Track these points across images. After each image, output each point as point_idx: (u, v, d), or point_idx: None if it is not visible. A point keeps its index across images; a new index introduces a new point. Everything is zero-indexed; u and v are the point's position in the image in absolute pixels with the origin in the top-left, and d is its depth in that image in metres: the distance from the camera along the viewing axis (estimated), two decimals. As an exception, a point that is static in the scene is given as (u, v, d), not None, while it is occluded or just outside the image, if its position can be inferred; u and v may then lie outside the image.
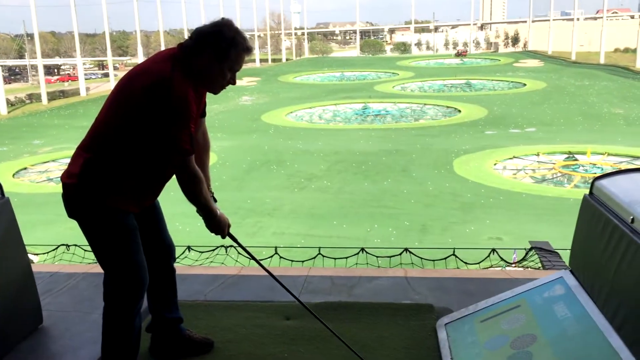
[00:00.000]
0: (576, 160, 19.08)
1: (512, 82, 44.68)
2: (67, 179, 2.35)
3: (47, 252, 6.42)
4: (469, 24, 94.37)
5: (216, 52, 2.26)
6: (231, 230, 2.63)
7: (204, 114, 2.55)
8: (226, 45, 2.26)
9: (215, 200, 2.55)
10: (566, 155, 19.71)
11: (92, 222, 2.38)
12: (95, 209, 2.34)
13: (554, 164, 18.90)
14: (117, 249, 2.40)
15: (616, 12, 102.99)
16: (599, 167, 17.65)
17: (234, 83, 2.40)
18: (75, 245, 5.86)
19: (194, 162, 2.32)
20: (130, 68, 2.48)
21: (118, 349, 2.49)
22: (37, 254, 7.64)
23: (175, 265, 2.83)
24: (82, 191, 2.32)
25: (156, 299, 2.74)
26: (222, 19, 2.33)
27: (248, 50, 2.33)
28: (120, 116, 2.27)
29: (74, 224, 2.48)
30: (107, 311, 2.48)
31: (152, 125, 2.21)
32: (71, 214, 2.40)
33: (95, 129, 2.34)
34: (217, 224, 2.50)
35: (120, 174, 2.33)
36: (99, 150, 2.31)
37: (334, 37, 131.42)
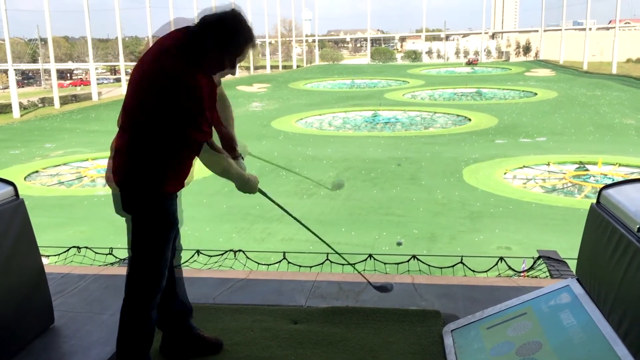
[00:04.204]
0: (587, 170, 18.98)
1: (523, 91, 44.57)
2: (120, 171, 2.44)
3: (58, 254, 6.48)
4: (480, 33, 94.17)
5: (219, 42, 2.32)
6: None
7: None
8: (230, 36, 2.32)
9: (243, 158, 2.65)
10: (577, 166, 19.62)
11: (146, 210, 2.46)
12: (152, 196, 2.44)
13: (564, 173, 18.82)
14: (159, 241, 2.49)
15: (629, 23, 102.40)
16: (610, 178, 17.51)
17: (233, 74, 2.47)
18: (86, 247, 5.92)
19: (212, 142, 2.41)
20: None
21: (134, 340, 2.56)
22: (47, 256, 7.71)
23: (185, 268, 2.90)
24: (137, 178, 2.41)
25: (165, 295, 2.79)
26: (232, 9, 2.37)
27: (252, 41, 2.38)
28: (146, 108, 2.35)
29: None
30: (128, 302, 2.55)
31: (173, 117, 2.30)
32: (126, 205, 2.47)
33: (128, 116, 2.42)
34: (249, 188, 2.56)
35: (161, 155, 2.40)
36: (138, 137, 2.39)
37: (345, 45, 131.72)
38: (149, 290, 2.52)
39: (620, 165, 19.27)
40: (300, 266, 5.65)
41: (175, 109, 2.28)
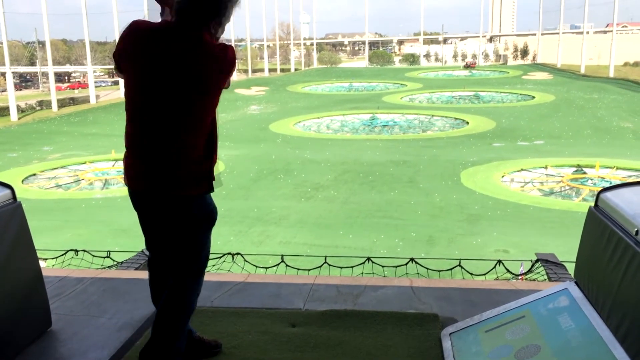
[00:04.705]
0: (585, 173, 19.01)
1: (520, 94, 44.67)
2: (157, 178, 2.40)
3: (56, 258, 6.47)
4: (478, 36, 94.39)
5: (219, 18, 2.35)
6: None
7: None
8: (226, 7, 2.35)
9: None
10: (574, 169, 19.65)
11: (200, 206, 2.47)
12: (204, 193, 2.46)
13: (562, 177, 18.85)
14: (207, 242, 2.59)
15: (626, 26, 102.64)
16: (607, 181, 17.57)
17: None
18: (84, 250, 5.91)
19: None
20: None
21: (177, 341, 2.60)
22: (45, 259, 7.69)
23: None
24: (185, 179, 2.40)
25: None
26: None
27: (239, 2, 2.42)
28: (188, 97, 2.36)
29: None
30: (182, 308, 2.57)
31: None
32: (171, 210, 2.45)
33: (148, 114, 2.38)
34: None
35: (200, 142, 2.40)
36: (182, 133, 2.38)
37: (343, 48, 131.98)
38: (198, 286, 2.64)
39: (617, 168, 19.31)
40: (298, 269, 5.64)
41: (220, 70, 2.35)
